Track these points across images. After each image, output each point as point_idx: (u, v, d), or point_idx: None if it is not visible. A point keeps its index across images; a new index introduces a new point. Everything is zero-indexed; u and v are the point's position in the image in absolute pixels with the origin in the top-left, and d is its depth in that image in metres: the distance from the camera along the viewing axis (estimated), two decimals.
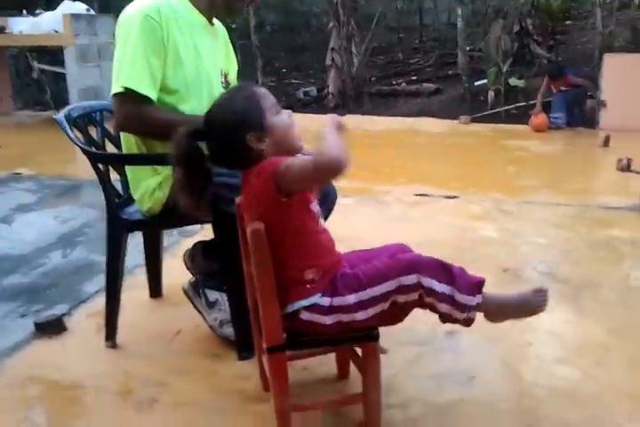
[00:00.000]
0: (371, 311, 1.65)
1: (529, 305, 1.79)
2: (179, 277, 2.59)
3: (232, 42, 2.52)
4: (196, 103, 2.14)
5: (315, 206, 1.72)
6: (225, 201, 2.03)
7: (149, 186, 2.19)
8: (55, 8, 8.16)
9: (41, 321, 2.46)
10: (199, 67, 2.18)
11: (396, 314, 1.72)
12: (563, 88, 7.47)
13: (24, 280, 3.01)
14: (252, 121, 1.66)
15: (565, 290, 2.81)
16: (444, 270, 1.68)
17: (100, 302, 2.53)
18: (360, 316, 1.65)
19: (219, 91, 2.25)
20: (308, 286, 1.66)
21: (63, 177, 5.07)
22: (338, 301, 1.65)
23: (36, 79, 10.15)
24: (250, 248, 1.64)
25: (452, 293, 1.66)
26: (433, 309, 1.69)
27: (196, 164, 1.69)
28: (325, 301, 1.66)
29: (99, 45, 7.86)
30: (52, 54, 10.00)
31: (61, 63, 8.26)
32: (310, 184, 1.67)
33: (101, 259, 2.40)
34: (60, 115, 2.24)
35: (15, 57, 10.46)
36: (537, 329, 2.45)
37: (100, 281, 2.70)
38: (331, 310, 1.65)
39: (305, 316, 1.67)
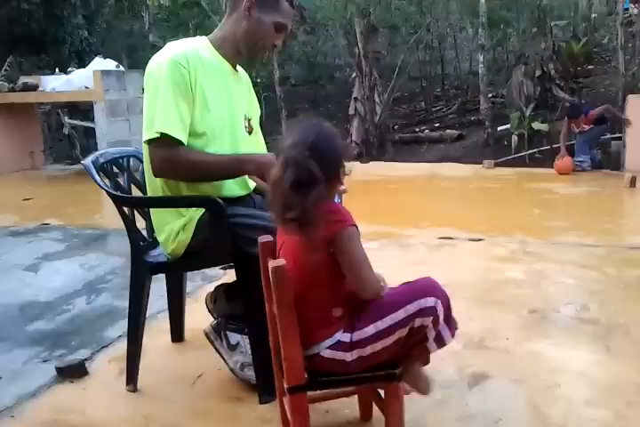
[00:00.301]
0: (389, 341, 1.64)
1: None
2: (201, 321, 2.58)
3: (256, 93, 2.58)
4: (219, 146, 2.19)
5: None
6: (247, 241, 2.05)
7: (174, 228, 2.21)
8: (86, 65, 8.47)
9: (62, 365, 2.46)
10: (224, 111, 2.23)
11: (414, 342, 1.70)
12: (585, 126, 7.46)
13: (48, 326, 3.02)
14: (345, 156, 1.70)
15: (594, 330, 2.75)
16: (448, 304, 1.71)
17: (122, 346, 2.53)
18: (378, 346, 1.64)
19: (242, 135, 2.31)
20: (334, 324, 1.66)
21: (90, 227, 5.15)
22: (358, 335, 1.64)
23: (67, 135, 10.44)
24: (272, 286, 1.64)
25: (444, 329, 1.72)
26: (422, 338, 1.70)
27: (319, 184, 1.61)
28: (346, 336, 1.65)
29: (128, 100, 8.09)
30: (83, 111, 10.33)
31: (91, 119, 8.51)
32: (350, 273, 1.64)
33: (125, 305, 2.40)
34: (88, 160, 2.29)
35: (47, 114, 10.79)
36: (566, 370, 2.38)
37: (122, 327, 2.70)
38: (352, 345, 1.64)
39: (326, 354, 1.65)
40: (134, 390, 2.33)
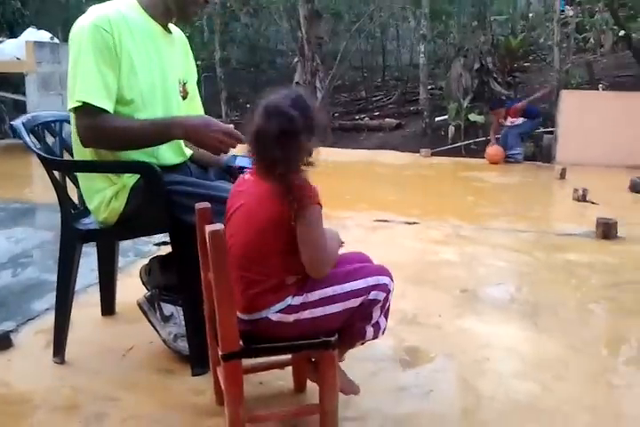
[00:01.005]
0: (340, 307, 1.66)
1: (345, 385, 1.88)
2: (133, 296, 2.50)
3: (197, 73, 2.47)
4: (151, 113, 2.09)
5: None
6: (184, 209, 2.00)
7: (105, 196, 2.13)
8: (18, 36, 8.14)
9: None
10: (154, 75, 2.13)
11: (359, 317, 1.71)
12: (514, 120, 7.67)
13: None
14: (314, 128, 1.64)
15: (523, 309, 2.82)
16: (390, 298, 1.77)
17: (49, 319, 2.44)
18: (328, 310, 1.65)
19: (176, 100, 2.22)
20: (286, 289, 1.66)
21: (18, 200, 4.97)
22: (307, 297, 1.66)
23: None
24: (208, 250, 1.60)
25: (382, 319, 1.78)
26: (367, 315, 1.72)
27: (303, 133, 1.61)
28: (297, 300, 1.66)
29: (61, 73, 7.81)
30: (13, 83, 9.92)
31: (22, 92, 8.19)
32: (304, 247, 1.61)
33: (53, 278, 2.33)
34: (18, 121, 2.19)
35: None
36: (495, 346, 2.44)
37: (50, 300, 2.62)
38: (301, 306, 1.65)
39: (274, 317, 1.65)
40: (62, 361, 2.26)
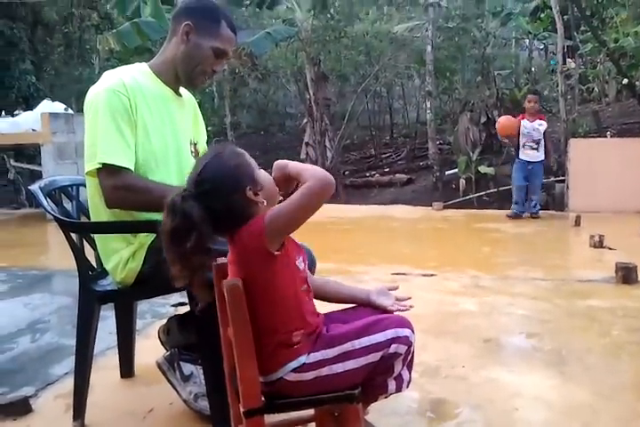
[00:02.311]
0: (361, 362, 1.62)
1: None
2: (151, 358, 2.48)
3: (208, 138, 2.52)
4: (164, 174, 2.13)
5: (300, 263, 1.69)
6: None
7: (122, 256, 2.15)
8: (34, 108, 8.38)
9: (4, 402, 2.34)
10: (166, 138, 2.18)
11: (380, 371, 1.68)
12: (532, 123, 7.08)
13: None
14: (247, 175, 1.63)
15: (548, 357, 2.76)
16: (413, 350, 1.73)
17: (68, 383, 2.42)
18: (338, 368, 1.61)
19: (188, 161, 2.26)
20: (296, 347, 1.62)
21: (35, 268, 5.00)
22: (324, 354, 1.62)
23: (11, 180, 10.22)
24: (227, 304, 1.60)
25: (405, 372, 1.73)
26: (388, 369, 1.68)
27: (206, 224, 1.57)
28: (312, 357, 1.62)
29: (76, 143, 8.01)
30: (29, 154, 10.16)
31: (38, 163, 8.37)
32: (304, 214, 1.57)
33: (71, 342, 2.32)
34: (36, 185, 2.23)
35: None
36: (523, 395, 2.38)
37: (69, 364, 2.60)
38: (318, 364, 1.62)
39: (290, 377, 1.61)
40: (82, 426, 2.22)
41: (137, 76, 2.16)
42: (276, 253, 1.57)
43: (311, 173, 1.60)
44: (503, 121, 7.18)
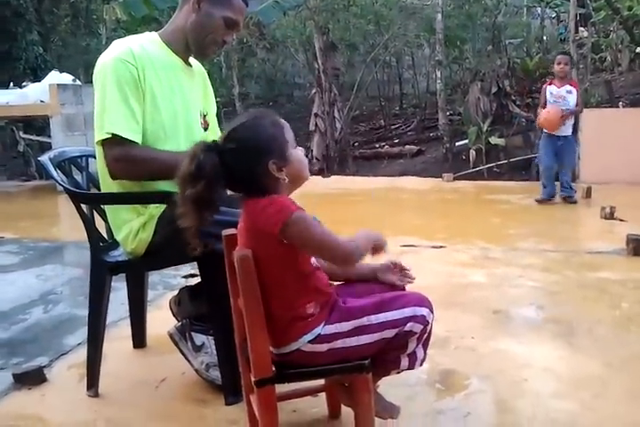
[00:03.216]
0: (375, 337, 1.63)
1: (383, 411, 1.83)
2: (163, 328, 2.51)
3: (217, 108, 2.51)
4: (174, 144, 2.13)
5: None
6: (212, 237, 2.01)
7: (133, 227, 2.16)
8: (42, 80, 8.35)
9: (19, 372, 2.37)
10: (176, 108, 2.17)
11: (394, 347, 1.68)
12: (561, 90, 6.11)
13: (3, 335, 2.92)
14: (277, 149, 1.62)
15: (557, 328, 2.77)
16: (431, 329, 1.74)
17: (82, 353, 2.45)
18: (352, 342, 1.62)
19: (198, 131, 2.26)
20: (310, 319, 1.63)
21: (46, 239, 5.03)
22: (340, 326, 1.63)
23: (21, 152, 10.24)
24: (237, 275, 1.61)
25: (420, 349, 1.73)
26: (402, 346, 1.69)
27: (216, 178, 1.59)
28: (328, 329, 1.63)
29: (85, 114, 7.98)
30: (39, 126, 10.14)
31: (47, 135, 8.36)
32: (318, 245, 1.60)
33: (84, 313, 2.33)
34: (45, 156, 2.24)
35: (2, 129, 10.58)
36: (531, 366, 2.39)
37: (82, 334, 2.63)
38: (335, 336, 1.63)
39: (307, 348, 1.63)
40: (96, 395, 2.26)
41: (146, 44, 2.15)
42: (283, 240, 1.57)
43: (361, 242, 1.67)
44: (551, 117, 6.02)
